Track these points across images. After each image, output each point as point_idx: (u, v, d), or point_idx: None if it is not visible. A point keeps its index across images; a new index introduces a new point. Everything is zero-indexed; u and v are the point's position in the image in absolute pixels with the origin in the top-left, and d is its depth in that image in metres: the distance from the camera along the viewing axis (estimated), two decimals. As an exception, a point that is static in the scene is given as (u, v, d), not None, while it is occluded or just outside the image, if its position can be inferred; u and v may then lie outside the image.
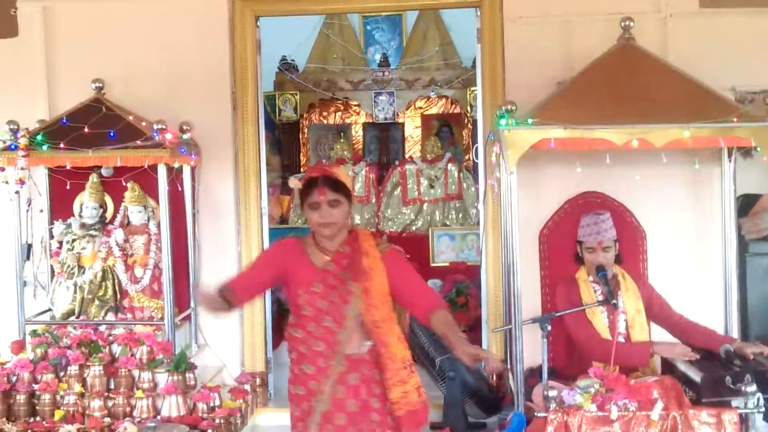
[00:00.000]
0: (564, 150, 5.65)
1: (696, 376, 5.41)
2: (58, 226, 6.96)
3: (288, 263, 4.55)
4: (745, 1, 6.82)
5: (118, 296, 6.92)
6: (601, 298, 5.80)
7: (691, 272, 6.72)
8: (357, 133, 12.28)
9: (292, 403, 4.61)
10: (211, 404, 6.27)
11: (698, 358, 5.62)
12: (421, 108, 12.22)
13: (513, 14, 6.93)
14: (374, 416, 4.52)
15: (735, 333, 6.35)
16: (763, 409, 5.22)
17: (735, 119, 5.36)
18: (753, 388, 5.16)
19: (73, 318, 6.85)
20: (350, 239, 4.60)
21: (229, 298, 4.35)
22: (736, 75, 6.65)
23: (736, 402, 5.23)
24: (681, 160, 6.30)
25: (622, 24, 6.20)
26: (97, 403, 6.14)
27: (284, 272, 4.55)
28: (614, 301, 5.66)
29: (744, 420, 5.18)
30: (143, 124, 6.60)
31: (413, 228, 10.59)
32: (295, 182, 4.66)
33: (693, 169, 6.38)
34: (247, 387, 6.90)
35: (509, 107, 5.52)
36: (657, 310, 5.99)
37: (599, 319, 5.82)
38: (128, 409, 6.19)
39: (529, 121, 5.46)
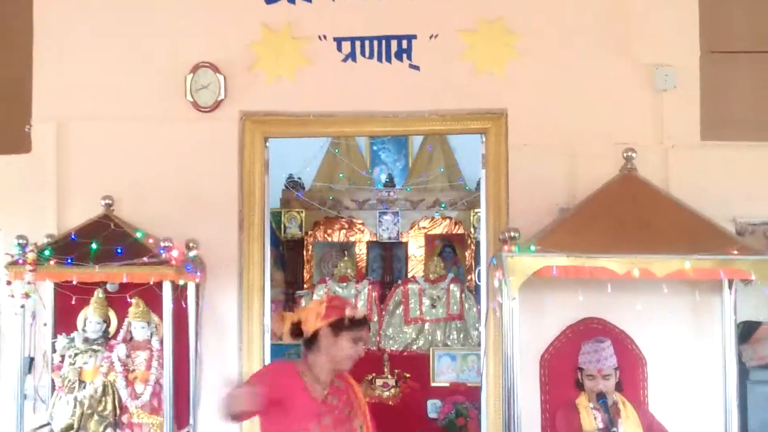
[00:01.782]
0: (566, 277, 5.72)
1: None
2: (61, 340, 6.97)
3: (287, 391, 4.59)
4: (746, 135, 6.95)
5: (118, 411, 6.89)
6: (601, 425, 5.80)
7: (692, 400, 6.69)
8: (361, 251, 12.35)
9: None
10: None
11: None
12: (425, 228, 12.31)
13: (518, 142, 7.05)
14: None
15: (736, 462, 6.33)
16: None
17: (735, 252, 5.43)
18: None
19: (72, 432, 6.83)
20: (338, 374, 4.78)
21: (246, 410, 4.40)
22: (737, 206, 6.73)
23: None
24: (682, 288, 6.35)
25: (625, 155, 6.33)
26: None
27: (282, 399, 4.57)
28: (614, 429, 5.66)
29: None
30: (150, 241, 6.67)
31: (414, 347, 10.59)
32: (353, 311, 4.76)
33: (694, 298, 6.43)
34: (245, 508, 6.84)
35: (512, 234, 5.59)
36: (660, 439, 5.99)
37: (600, 446, 5.81)
38: None
39: (532, 248, 5.54)
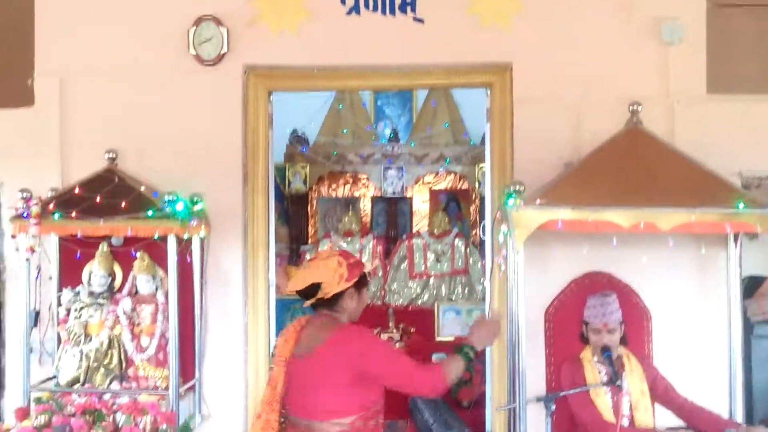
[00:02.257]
0: (571, 231, 5.70)
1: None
2: (67, 294, 6.99)
3: None
4: (752, 88, 6.91)
5: (124, 365, 6.92)
6: (605, 378, 5.81)
7: (696, 354, 6.71)
8: (365, 206, 12.34)
9: None
10: (214, 476, 6.26)
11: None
12: (429, 183, 12.29)
13: (523, 95, 7.02)
14: None
15: (739, 416, 6.33)
16: (767, 495, 5.24)
17: (741, 205, 5.41)
18: (757, 472, 5.16)
19: (77, 386, 6.84)
20: None
21: None
22: (743, 160, 6.72)
23: (740, 487, 5.24)
24: (687, 242, 6.34)
25: (631, 108, 6.29)
26: (99, 473, 6.14)
27: None
28: (619, 382, 5.67)
29: (748, 505, 5.19)
30: (155, 194, 6.66)
31: (419, 302, 10.61)
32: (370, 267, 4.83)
33: (699, 252, 6.43)
34: (250, 460, 6.88)
35: (517, 187, 5.57)
36: (662, 393, 5.99)
37: (603, 400, 5.82)
38: (130, 479, 6.18)
39: (537, 201, 5.52)
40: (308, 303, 4.69)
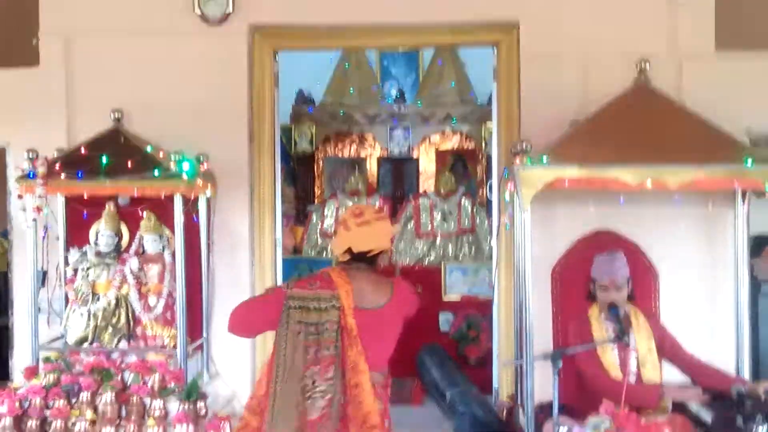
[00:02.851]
0: (578, 189, 5.68)
1: (707, 416, 5.42)
2: (74, 254, 6.99)
3: None
4: (761, 44, 6.87)
5: (131, 324, 6.94)
6: (612, 335, 5.82)
7: (703, 312, 6.72)
8: (372, 166, 12.32)
9: None
10: (222, 434, 6.28)
11: (707, 400, 5.63)
12: (435, 143, 12.25)
13: (530, 54, 6.99)
14: None
15: (746, 373, 6.34)
16: (773, 450, 5.25)
17: (749, 162, 5.38)
18: (764, 428, 5.18)
19: (86, 345, 6.87)
20: None
21: None
22: (751, 117, 6.69)
23: (746, 443, 5.25)
24: (694, 200, 6.33)
25: (638, 65, 6.25)
26: (108, 430, 6.15)
27: None
28: (626, 339, 5.67)
29: (754, 460, 5.21)
30: (161, 154, 6.66)
31: (426, 261, 10.60)
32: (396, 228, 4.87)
33: (706, 210, 6.42)
34: (258, 418, 6.89)
35: (524, 146, 5.55)
36: (669, 350, 6.00)
37: (610, 357, 5.83)
38: (139, 437, 6.21)
39: (544, 160, 5.50)
40: (346, 258, 4.70)
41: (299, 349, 4.54)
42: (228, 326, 4.66)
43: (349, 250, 4.69)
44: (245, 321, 4.68)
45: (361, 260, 4.70)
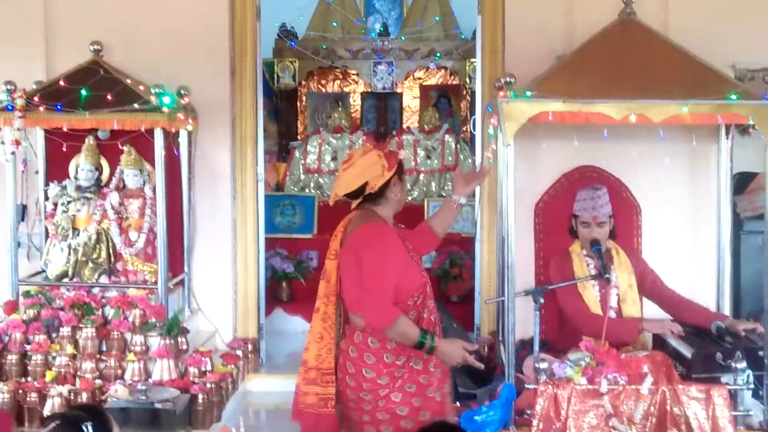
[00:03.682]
0: (562, 124, 5.63)
1: (687, 351, 5.42)
2: (54, 188, 6.94)
3: (403, 251, 4.57)
4: (747, -21, 6.80)
5: (112, 259, 6.91)
6: (594, 271, 5.82)
7: (686, 248, 6.73)
8: (355, 102, 12.26)
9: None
10: (203, 369, 6.28)
11: (686, 334, 5.64)
12: (419, 79, 12.20)
13: (515, -14, 6.91)
14: None
15: (727, 310, 6.37)
16: (752, 386, 5.28)
17: (734, 96, 5.34)
18: (743, 364, 5.19)
19: (66, 280, 6.84)
20: None
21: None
22: (736, 52, 6.64)
23: (725, 378, 5.27)
24: (678, 136, 6.28)
25: (624, -1, 6.18)
26: (89, 365, 6.16)
27: (404, 261, 4.53)
28: (607, 276, 5.67)
29: (733, 396, 5.23)
30: (141, 87, 6.58)
31: (409, 198, 10.55)
32: (404, 154, 4.72)
33: (690, 146, 6.38)
34: (239, 353, 6.91)
35: (508, 79, 5.49)
36: (649, 286, 6.00)
37: (590, 293, 5.84)
38: (120, 371, 6.20)
39: (528, 94, 5.44)
40: (356, 203, 4.61)
41: None
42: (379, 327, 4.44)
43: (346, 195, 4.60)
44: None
45: (368, 200, 4.58)
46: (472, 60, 10.66)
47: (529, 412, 5.29)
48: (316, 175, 10.64)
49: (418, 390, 4.48)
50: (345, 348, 4.54)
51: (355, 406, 4.51)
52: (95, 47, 6.86)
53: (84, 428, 3.40)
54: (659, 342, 5.80)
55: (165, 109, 6.40)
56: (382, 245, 4.42)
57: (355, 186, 4.49)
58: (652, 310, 6.07)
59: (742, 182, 7.28)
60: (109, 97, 6.40)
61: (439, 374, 4.56)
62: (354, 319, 4.53)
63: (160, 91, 6.41)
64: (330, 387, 4.56)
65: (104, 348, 6.37)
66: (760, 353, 5.38)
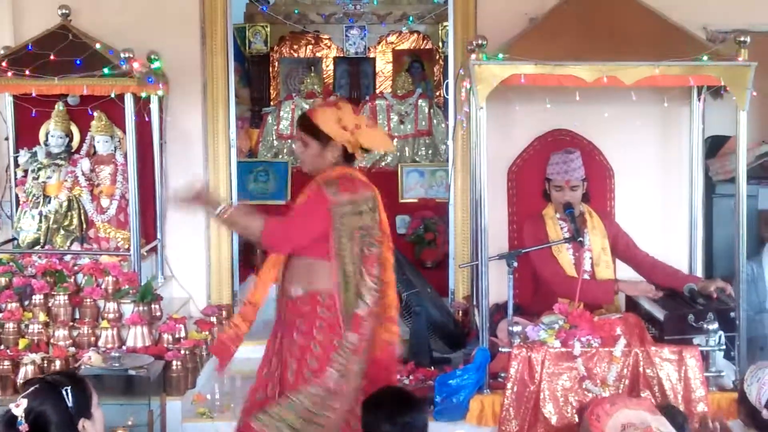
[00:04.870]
0: (534, 87, 5.62)
1: (659, 313, 5.46)
2: (24, 155, 6.88)
3: None
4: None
5: (84, 226, 6.88)
6: (567, 235, 5.84)
7: (658, 211, 6.76)
8: (328, 67, 12.20)
9: None
10: (177, 335, 6.26)
11: (661, 296, 5.68)
12: (392, 43, 12.15)
13: (486, -51, 6.87)
14: None
15: (699, 273, 6.42)
16: (724, 347, 5.34)
17: (705, 58, 5.35)
18: (715, 326, 5.25)
19: (38, 247, 6.80)
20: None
21: None
22: (708, 14, 6.65)
23: (697, 340, 5.33)
24: (651, 98, 6.28)
25: (596, -41, 6.14)
26: (61, 333, 6.12)
27: None
28: (580, 239, 5.70)
29: (705, 357, 5.29)
30: (110, 52, 6.51)
31: (382, 164, 10.52)
32: None
33: (662, 108, 6.39)
34: (213, 319, 6.90)
35: (480, 42, 5.47)
36: (623, 249, 6.04)
37: (565, 256, 5.86)
38: (93, 339, 6.16)
39: (500, 56, 5.42)
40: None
41: (357, 252, 4.63)
42: (266, 245, 4.73)
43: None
44: (286, 238, 4.61)
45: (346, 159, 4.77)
46: (445, 24, 10.60)
47: (503, 375, 5.33)
48: (289, 141, 10.57)
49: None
50: None
51: None
52: (63, 11, 6.77)
53: (64, 392, 3.41)
54: (632, 304, 5.84)
55: (135, 74, 6.34)
56: (312, 197, 4.67)
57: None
58: (626, 273, 6.10)
59: (714, 146, 7.32)
60: (78, 62, 6.33)
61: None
62: None
63: (129, 56, 6.34)
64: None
65: (77, 315, 6.33)
66: (732, 314, 5.42)
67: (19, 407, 3.34)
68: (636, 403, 3.95)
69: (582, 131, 6.58)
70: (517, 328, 5.28)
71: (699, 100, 6.32)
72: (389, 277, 4.82)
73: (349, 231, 4.57)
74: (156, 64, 6.74)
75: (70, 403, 3.42)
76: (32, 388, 3.42)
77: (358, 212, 4.61)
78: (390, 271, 4.82)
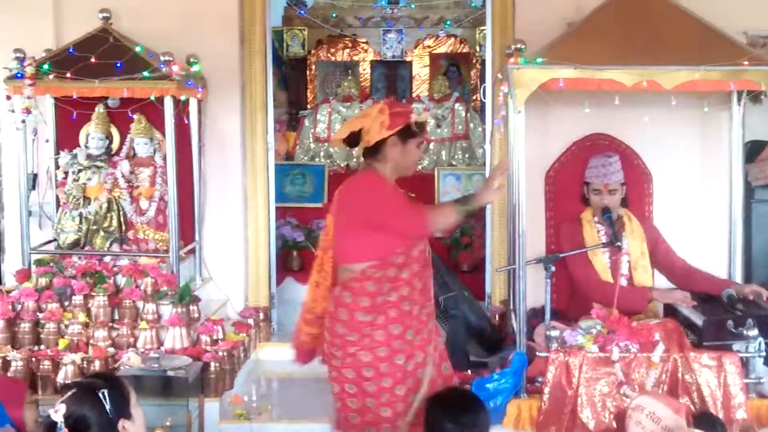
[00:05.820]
0: (572, 91, 5.61)
1: (698, 319, 5.43)
2: (64, 157, 6.93)
3: None
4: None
5: (123, 228, 6.92)
6: (605, 239, 5.82)
7: (696, 216, 6.71)
8: (365, 70, 12.21)
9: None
10: (215, 337, 6.29)
11: (695, 304, 5.64)
12: (429, 47, 12.14)
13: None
14: None
15: (738, 278, 6.34)
16: (763, 353, 5.28)
17: (746, 62, 5.31)
18: (754, 332, 5.20)
19: (78, 248, 6.85)
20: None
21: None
22: (748, 19, 6.59)
23: (737, 346, 5.29)
24: (690, 103, 6.25)
25: (636, -36, 6.12)
26: (101, 333, 6.17)
27: None
28: (618, 243, 5.67)
29: (744, 364, 5.23)
30: (150, 55, 6.55)
31: (419, 167, 10.51)
32: (417, 116, 4.73)
33: (701, 113, 6.36)
34: (251, 321, 6.93)
35: (518, 46, 5.47)
36: (663, 254, 6.02)
37: (600, 260, 5.85)
38: (132, 340, 6.21)
39: (539, 60, 5.42)
40: (357, 152, 4.71)
41: None
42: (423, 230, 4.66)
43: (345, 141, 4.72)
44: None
45: (368, 155, 4.69)
46: (482, 28, 10.60)
47: (540, 379, 5.32)
48: (326, 144, 10.59)
49: (388, 355, 4.52)
50: (330, 300, 4.66)
51: (327, 360, 4.68)
52: (104, 15, 6.82)
53: (101, 395, 3.43)
54: (670, 310, 5.81)
55: (174, 77, 6.38)
56: (380, 189, 4.55)
57: (348, 130, 4.58)
58: (660, 280, 6.07)
59: (753, 151, 7.27)
60: (118, 65, 6.38)
61: (417, 341, 4.60)
62: (340, 273, 4.63)
63: (169, 59, 6.39)
64: (315, 329, 4.81)
65: (116, 316, 6.38)
66: (771, 320, 5.38)
67: (57, 413, 3.37)
68: (667, 401, 3.96)
69: (620, 135, 6.55)
70: (554, 333, 5.27)
71: (739, 104, 6.27)
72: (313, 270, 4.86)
73: None
74: (195, 68, 6.78)
75: (108, 405, 3.43)
76: (69, 393, 3.44)
77: None
78: (315, 263, 4.86)
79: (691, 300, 5.68)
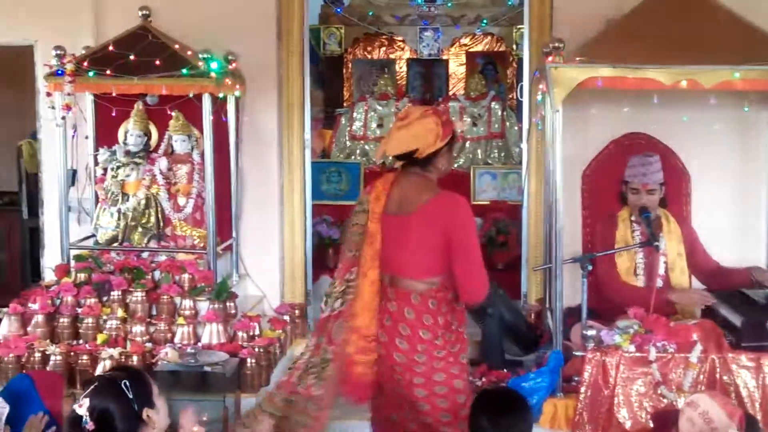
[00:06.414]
0: (610, 90, 5.59)
1: (736, 320, 5.40)
2: (103, 153, 6.97)
3: None
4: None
5: (161, 224, 6.95)
6: (642, 239, 5.79)
7: (735, 217, 6.67)
8: (401, 68, 12.23)
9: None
10: (251, 333, 6.32)
11: (715, 302, 5.60)
12: (466, 45, 12.15)
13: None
14: None
15: (777, 279, 6.31)
16: (803, 355, 5.24)
17: (787, 62, 5.28)
18: (794, 332, 5.17)
19: (116, 244, 6.90)
20: None
21: None
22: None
23: (776, 347, 5.25)
24: (729, 102, 6.22)
25: (675, -38, 6.09)
26: (139, 329, 6.22)
27: None
28: (656, 243, 5.64)
29: (784, 365, 5.20)
30: (189, 53, 6.58)
31: (455, 165, 10.53)
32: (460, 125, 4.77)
33: (741, 113, 6.32)
34: (287, 318, 6.95)
35: (557, 44, 5.45)
36: (701, 257, 5.98)
37: (624, 261, 5.85)
38: (169, 335, 6.25)
39: (577, 59, 5.40)
40: (400, 164, 4.67)
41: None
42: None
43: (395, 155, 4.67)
44: None
45: (415, 164, 4.63)
46: (519, 26, 10.60)
47: (576, 379, 5.31)
48: (362, 142, 10.62)
49: (461, 349, 4.66)
50: (395, 310, 4.57)
51: (404, 368, 4.56)
52: (144, 12, 6.86)
53: (123, 386, 3.48)
54: (708, 310, 5.77)
55: (213, 74, 6.41)
56: (471, 216, 4.55)
57: (406, 149, 4.54)
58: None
59: (794, 150, 7.21)
60: (157, 62, 6.40)
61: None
62: (411, 284, 4.56)
63: (207, 57, 6.42)
64: (373, 354, 4.65)
65: (154, 312, 6.42)
66: (812, 321, 5.33)
67: (82, 407, 3.42)
68: (723, 404, 3.96)
69: (657, 134, 6.52)
70: (591, 332, 5.27)
71: (779, 104, 6.24)
72: (363, 287, 4.67)
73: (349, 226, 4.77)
74: (233, 65, 6.80)
75: (130, 395, 3.49)
76: (92, 387, 3.50)
77: (356, 211, 4.79)
78: (364, 281, 4.67)
79: (711, 299, 5.65)
